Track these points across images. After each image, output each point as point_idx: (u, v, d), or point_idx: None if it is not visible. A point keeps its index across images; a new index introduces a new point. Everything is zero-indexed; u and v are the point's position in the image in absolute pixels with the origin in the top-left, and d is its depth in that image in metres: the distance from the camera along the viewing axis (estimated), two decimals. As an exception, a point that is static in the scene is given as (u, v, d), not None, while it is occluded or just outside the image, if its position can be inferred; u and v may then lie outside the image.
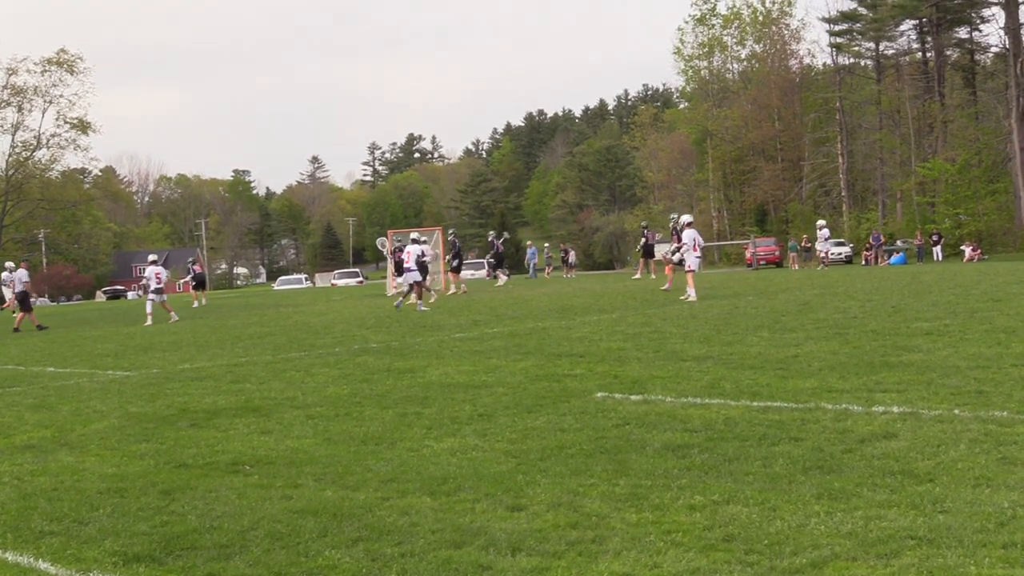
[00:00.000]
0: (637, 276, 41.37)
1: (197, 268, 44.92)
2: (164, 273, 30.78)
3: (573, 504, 6.43)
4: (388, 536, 6.03)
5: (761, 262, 61.84)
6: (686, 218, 27.60)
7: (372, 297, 39.29)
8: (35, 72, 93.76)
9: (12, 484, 8.18)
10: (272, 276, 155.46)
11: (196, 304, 41.71)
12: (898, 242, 61.58)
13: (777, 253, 64.93)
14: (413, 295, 28.62)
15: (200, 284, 44.24)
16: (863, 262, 56.41)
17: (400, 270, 38.69)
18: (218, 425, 10.31)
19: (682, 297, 24.58)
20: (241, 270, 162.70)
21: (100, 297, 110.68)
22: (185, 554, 5.95)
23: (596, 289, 34.36)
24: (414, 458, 8.13)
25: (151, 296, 30.57)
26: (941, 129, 72.02)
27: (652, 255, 42.41)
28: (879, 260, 54.83)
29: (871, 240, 58.31)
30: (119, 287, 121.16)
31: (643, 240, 41.56)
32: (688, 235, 25.95)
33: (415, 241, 29.85)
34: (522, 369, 13.03)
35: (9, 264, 33.40)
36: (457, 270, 37.03)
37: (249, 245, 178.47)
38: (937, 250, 56.44)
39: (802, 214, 77.97)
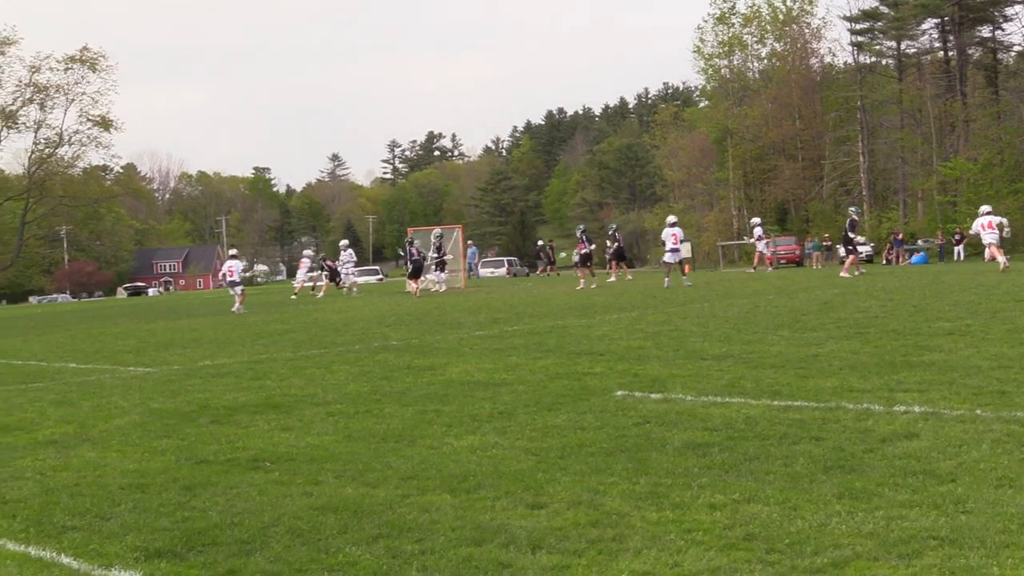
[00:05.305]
0: (612, 279, 40.12)
1: (329, 263, 46.05)
2: (238, 266, 34.12)
3: (593, 502, 6.42)
4: (408, 533, 6.04)
5: (781, 261, 61.65)
6: (984, 208, 32.52)
7: (392, 295, 39.33)
8: (58, 70, 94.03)
9: (35, 479, 8.23)
10: (292, 273, 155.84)
11: (320, 295, 43.17)
12: (919, 241, 61.31)
13: (797, 252, 64.69)
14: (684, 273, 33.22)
15: (333, 276, 45.11)
16: (884, 261, 56.19)
17: (442, 267, 38.91)
18: (239, 422, 10.34)
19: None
20: (261, 267, 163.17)
21: (121, 294, 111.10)
22: (206, 550, 5.97)
23: (615, 287, 34.34)
24: (434, 455, 8.14)
25: (233, 289, 33.62)
26: (963, 128, 71.69)
27: (623, 257, 42.10)
28: (900, 260, 54.59)
29: (892, 240, 58.03)
30: (140, 284, 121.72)
31: (615, 243, 40.26)
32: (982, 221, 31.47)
33: (673, 225, 33.12)
34: (542, 367, 13.02)
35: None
36: (441, 267, 38.93)
37: (269, 243, 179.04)
38: (959, 249, 56.12)
39: (823, 213, 77.71)
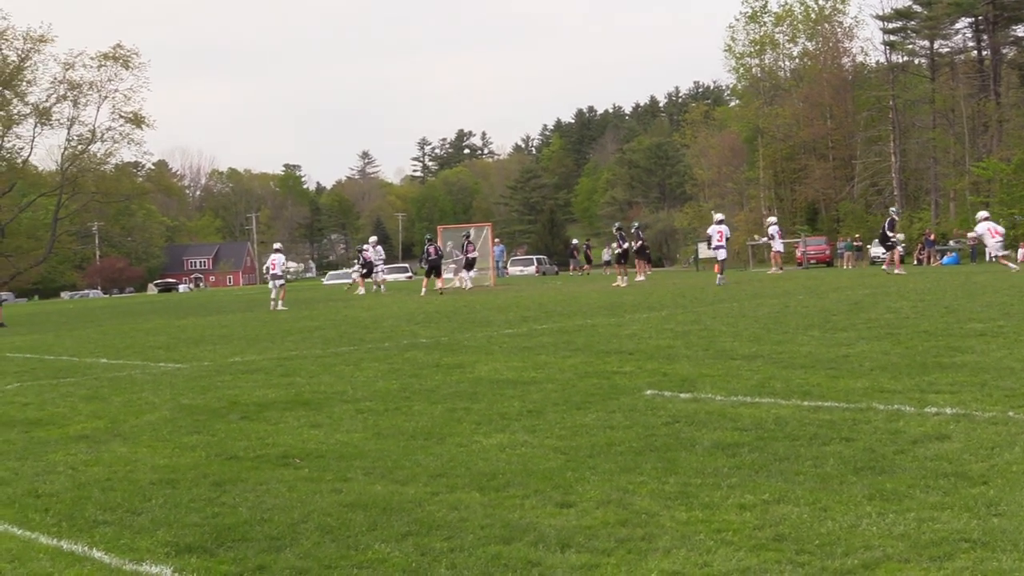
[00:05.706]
0: (641, 278, 39.42)
1: (366, 255, 44.78)
2: (281, 260, 34.91)
3: (623, 501, 6.41)
4: (437, 531, 6.04)
5: (811, 261, 61.39)
6: (981, 214, 35.07)
7: (420, 292, 39.32)
8: (91, 67, 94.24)
9: (67, 474, 8.29)
10: (322, 270, 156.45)
11: (361, 291, 42.93)
12: (951, 242, 60.86)
13: (827, 252, 64.42)
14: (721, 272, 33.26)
15: (368, 270, 44.26)
16: (915, 262, 55.84)
17: (471, 266, 39.05)
18: (268, 418, 10.38)
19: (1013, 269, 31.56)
20: (291, 264, 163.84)
21: (152, 290, 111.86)
22: (236, 545, 5.99)
23: (645, 286, 34.29)
24: (463, 453, 8.14)
25: (274, 283, 34.59)
26: (996, 128, 71.11)
27: (647, 256, 41.77)
28: (931, 260, 54.24)
29: (923, 240, 57.64)
30: (170, 280, 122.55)
31: (639, 242, 39.53)
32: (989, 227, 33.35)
33: (720, 222, 34.36)
34: (571, 366, 13.01)
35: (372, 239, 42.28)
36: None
37: (299, 239, 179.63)
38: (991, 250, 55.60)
39: (854, 213, 77.22)
